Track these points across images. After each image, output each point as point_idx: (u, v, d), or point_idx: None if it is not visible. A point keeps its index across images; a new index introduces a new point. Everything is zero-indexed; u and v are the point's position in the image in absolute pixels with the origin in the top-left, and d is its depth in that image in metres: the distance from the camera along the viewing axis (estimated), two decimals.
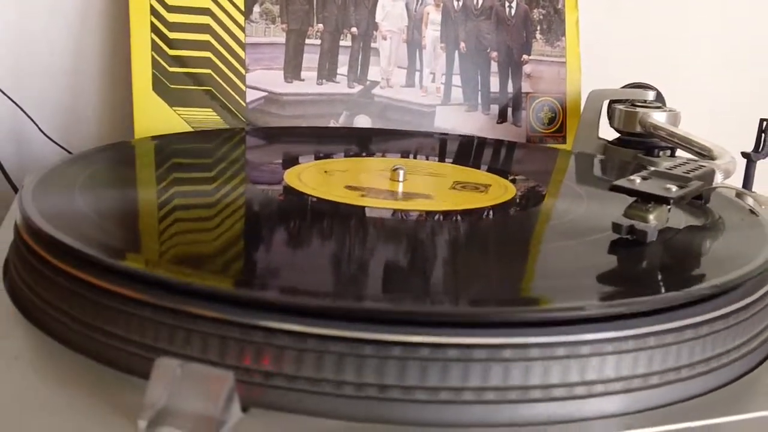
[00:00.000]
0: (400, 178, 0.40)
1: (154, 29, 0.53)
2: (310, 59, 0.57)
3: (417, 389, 0.22)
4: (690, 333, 0.25)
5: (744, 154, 0.45)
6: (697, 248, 0.32)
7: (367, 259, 0.30)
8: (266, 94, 0.55)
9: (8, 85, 0.53)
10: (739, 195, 0.43)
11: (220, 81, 0.54)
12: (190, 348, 0.23)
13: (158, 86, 0.52)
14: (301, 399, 0.23)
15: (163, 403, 0.21)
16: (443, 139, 0.55)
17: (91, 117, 0.57)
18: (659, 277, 0.29)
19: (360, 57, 0.58)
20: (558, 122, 0.62)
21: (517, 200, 0.39)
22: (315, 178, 0.40)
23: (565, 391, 0.23)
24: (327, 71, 0.57)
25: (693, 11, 0.71)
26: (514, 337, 0.23)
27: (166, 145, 0.47)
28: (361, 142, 0.52)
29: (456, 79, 0.60)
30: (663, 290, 0.28)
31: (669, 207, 0.31)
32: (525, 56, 0.61)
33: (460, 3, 0.60)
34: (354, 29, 0.58)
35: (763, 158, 0.45)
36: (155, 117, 0.52)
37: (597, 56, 0.63)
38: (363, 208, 0.36)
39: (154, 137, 0.49)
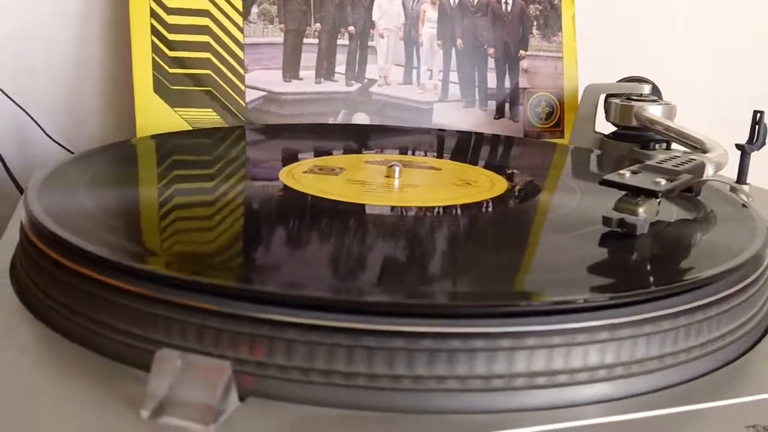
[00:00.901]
0: (396, 175, 0.41)
1: (154, 31, 0.53)
2: (309, 58, 0.57)
3: (404, 378, 0.23)
4: (667, 324, 0.25)
5: (738, 146, 0.46)
6: (686, 240, 0.33)
7: (356, 253, 0.31)
8: (265, 93, 0.56)
9: (11, 88, 0.54)
10: (733, 189, 0.43)
11: (220, 81, 0.55)
12: (189, 340, 0.24)
13: (159, 87, 0.53)
14: (296, 389, 0.23)
15: (164, 394, 0.22)
16: (441, 135, 0.56)
17: (93, 118, 0.58)
18: (647, 268, 0.30)
19: (358, 55, 0.59)
20: (555, 117, 0.62)
21: (511, 195, 0.40)
22: (312, 174, 0.41)
23: (553, 379, 0.24)
24: (325, 70, 0.58)
25: (688, 5, 0.72)
26: (506, 327, 0.24)
27: (167, 144, 0.48)
28: (359, 138, 0.53)
29: (453, 76, 0.61)
30: (651, 281, 0.28)
31: (658, 200, 0.31)
32: (522, 52, 0.62)
33: (457, 0, 0.61)
34: (351, 28, 0.58)
35: (757, 150, 0.46)
36: (156, 118, 0.53)
37: (593, 51, 0.64)
38: (353, 204, 0.36)
39: (154, 136, 0.49)
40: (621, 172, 0.32)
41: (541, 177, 0.45)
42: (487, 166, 0.46)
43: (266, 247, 0.31)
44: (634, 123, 0.51)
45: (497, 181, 0.42)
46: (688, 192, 0.36)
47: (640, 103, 0.51)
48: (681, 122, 0.49)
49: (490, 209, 0.37)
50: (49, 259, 0.28)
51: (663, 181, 0.31)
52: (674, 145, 0.51)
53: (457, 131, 0.57)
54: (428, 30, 0.60)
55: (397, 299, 0.25)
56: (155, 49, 0.53)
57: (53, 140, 0.54)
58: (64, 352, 0.26)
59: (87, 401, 0.23)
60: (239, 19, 0.56)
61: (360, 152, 0.49)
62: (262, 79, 0.56)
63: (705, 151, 0.40)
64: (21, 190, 0.50)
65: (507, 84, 0.61)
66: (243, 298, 0.24)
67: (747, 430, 0.23)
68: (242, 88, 0.55)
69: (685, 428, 0.24)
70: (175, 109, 0.54)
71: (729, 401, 0.25)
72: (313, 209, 0.36)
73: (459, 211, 0.36)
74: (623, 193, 0.32)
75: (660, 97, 0.55)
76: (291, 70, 0.57)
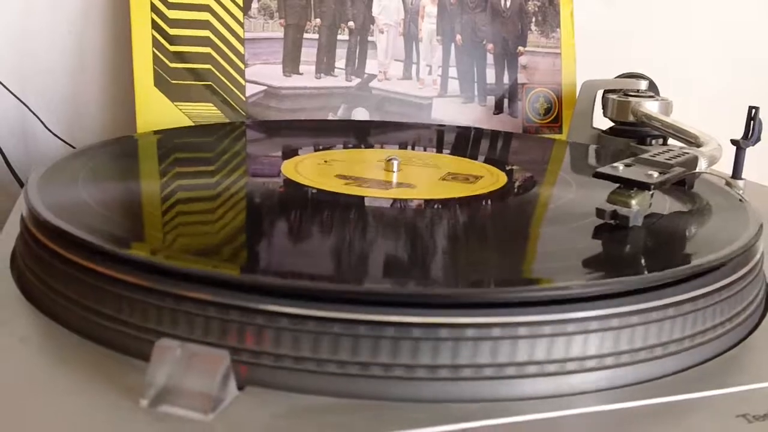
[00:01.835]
0: (395, 169, 0.41)
1: (155, 26, 0.54)
2: (308, 53, 0.58)
3: (396, 366, 0.24)
4: (657, 315, 0.26)
5: (733, 141, 0.46)
6: (678, 232, 0.33)
7: (354, 245, 0.31)
8: (265, 88, 0.56)
9: (12, 83, 0.54)
10: (728, 184, 0.44)
11: (220, 76, 0.55)
12: (187, 329, 0.25)
13: (160, 82, 0.54)
14: (296, 378, 0.24)
15: (163, 383, 0.22)
16: (440, 130, 0.56)
17: (94, 113, 0.58)
18: (640, 259, 0.30)
19: (357, 51, 0.59)
20: (554, 113, 0.63)
21: (509, 189, 0.40)
22: (313, 169, 0.42)
23: (547, 368, 0.24)
24: (325, 65, 0.58)
25: (685, 1, 0.72)
26: (500, 316, 0.24)
27: (168, 139, 0.48)
28: (359, 133, 0.53)
29: (452, 71, 0.61)
30: (643, 272, 0.28)
31: (651, 192, 0.32)
32: (520, 48, 0.62)
33: None
34: (351, 23, 0.59)
35: (752, 145, 0.46)
36: (157, 112, 0.53)
37: (591, 47, 0.64)
38: (350, 196, 0.36)
39: (156, 131, 0.50)
40: (614, 165, 0.32)
41: (540, 172, 0.46)
42: (486, 161, 0.46)
43: (269, 239, 0.31)
44: (631, 118, 0.52)
45: (496, 175, 0.42)
46: (681, 185, 0.37)
47: (637, 99, 0.52)
48: (678, 118, 0.49)
49: (488, 203, 0.37)
50: (49, 251, 0.29)
51: (655, 174, 0.31)
52: (670, 140, 0.51)
53: (456, 126, 0.58)
54: (428, 26, 0.60)
55: (392, 289, 0.26)
56: (156, 43, 0.54)
57: (53, 134, 0.55)
58: (63, 342, 0.26)
59: (86, 390, 0.23)
60: (239, 14, 0.56)
61: (359, 147, 0.49)
62: (263, 73, 0.56)
63: (699, 146, 0.41)
64: (21, 184, 0.51)
65: (506, 80, 0.62)
66: (241, 288, 0.24)
67: (738, 419, 0.24)
68: (242, 82, 0.55)
69: (677, 418, 0.24)
70: (176, 103, 0.54)
71: (720, 391, 0.25)
72: (312, 202, 0.37)
73: (457, 205, 0.37)
74: (617, 185, 0.32)
75: (657, 92, 0.55)
76: (291, 64, 0.57)
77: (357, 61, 0.59)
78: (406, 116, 0.59)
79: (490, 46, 0.62)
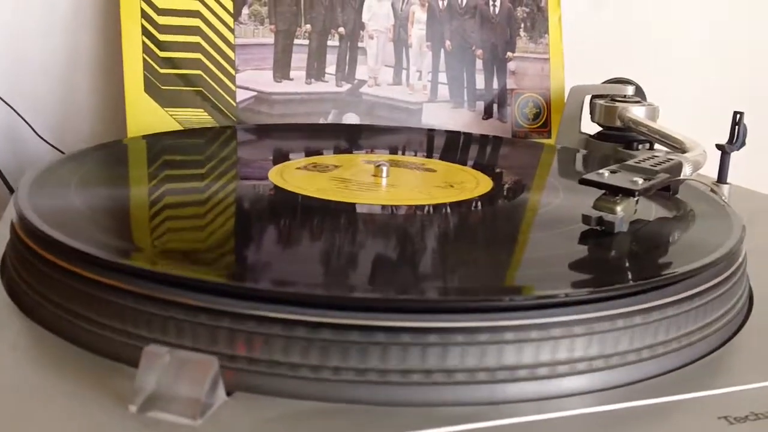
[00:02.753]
0: (384, 174, 0.41)
1: (145, 32, 0.54)
2: (299, 59, 0.58)
3: (392, 372, 0.24)
4: (640, 318, 0.26)
5: (718, 146, 0.47)
6: (663, 238, 0.33)
7: (343, 251, 0.31)
8: (256, 93, 0.56)
9: (1, 87, 0.54)
10: (713, 189, 0.44)
11: (211, 82, 0.55)
12: (176, 336, 0.25)
13: (150, 88, 0.54)
14: (282, 383, 0.24)
15: (152, 389, 0.22)
16: (430, 135, 0.56)
17: (83, 118, 0.58)
18: (625, 264, 0.31)
19: (347, 56, 0.59)
20: (542, 118, 0.63)
21: (497, 193, 0.40)
22: (302, 174, 0.42)
23: (534, 372, 0.25)
24: (315, 71, 0.58)
25: (674, 9, 0.73)
26: (487, 321, 0.24)
27: (157, 143, 0.48)
28: (349, 137, 0.53)
29: (442, 77, 0.61)
30: (628, 277, 0.29)
31: (636, 199, 0.32)
32: (509, 53, 0.63)
33: (445, 2, 0.61)
34: (341, 29, 0.59)
35: (737, 150, 0.47)
36: (147, 118, 0.53)
37: (580, 53, 0.65)
38: (339, 202, 0.37)
39: (144, 136, 0.50)
40: (600, 171, 0.33)
41: (528, 176, 0.46)
42: (475, 166, 0.46)
43: (256, 245, 0.31)
44: (618, 123, 0.52)
45: (484, 180, 0.42)
46: (666, 191, 0.37)
47: (624, 104, 0.52)
48: (665, 123, 0.50)
49: (477, 208, 0.38)
50: (39, 257, 0.29)
51: (640, 181, 0.32)
52: (657, 145, 0.52)
53: (446, 131, 0.58)
54: (417, 31, 0.61)
55: (382, 295, 0.26)
56: (146, 49, 0.54)
57: (43, 140, 0.55)
58: (53, 348, 0.26)
59: (76, 396, 0.23)
60: (230, 20, 0.56)
61: (350, 152, 0.49)
62: (253, 79, 0.56)
63: (684, 151, 0.41)
64: (10, 189, 0.51)
65: (495, 85, 0.62)
66: (228, 294, 0.25)
67: (719, 420, 0.24)
68: (233, 88, 0.56)
69: (660, 420, 0.24)
70: (166, 109, 0.54)
71: (703, 393, 0.26)
72: (301, 209, 0.37)
73: (446, 209, 0.37)
74: (603, 192, 0.32)
75: (643, 98, 0.56)
76: (281, 70, 0.57)
77: (347, 66, 0.59)
78: (396, 121, 0.59)
79: (479, 51, 0.62)
